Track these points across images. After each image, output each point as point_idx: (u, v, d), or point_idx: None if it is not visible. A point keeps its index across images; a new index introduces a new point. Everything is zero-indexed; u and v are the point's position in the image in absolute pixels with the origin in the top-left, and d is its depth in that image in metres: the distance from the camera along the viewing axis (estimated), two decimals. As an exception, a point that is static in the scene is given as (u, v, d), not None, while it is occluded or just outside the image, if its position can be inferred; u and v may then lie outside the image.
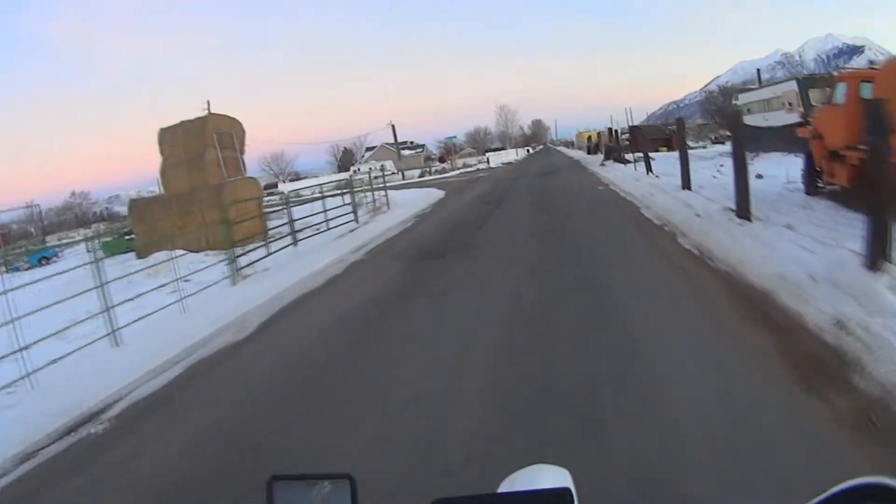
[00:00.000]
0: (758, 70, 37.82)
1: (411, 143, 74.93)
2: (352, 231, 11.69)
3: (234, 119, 18.12)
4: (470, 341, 3.99)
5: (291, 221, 11.04)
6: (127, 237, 17.95)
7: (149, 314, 6.09)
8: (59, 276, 6.50)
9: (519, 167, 33.99)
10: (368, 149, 72.98)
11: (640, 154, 17.29)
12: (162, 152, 17.79)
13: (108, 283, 5.87)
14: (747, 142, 17.70)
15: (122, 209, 45.99)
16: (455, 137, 60.69)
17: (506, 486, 0.93)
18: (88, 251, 6.25)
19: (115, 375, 4.52)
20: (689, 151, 24.42)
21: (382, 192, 15.68)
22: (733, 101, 21.52)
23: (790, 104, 16.91)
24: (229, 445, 3.00)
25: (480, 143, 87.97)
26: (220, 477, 2.67)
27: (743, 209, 6.90)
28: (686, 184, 9.67)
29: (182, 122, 17.56)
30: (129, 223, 19.19)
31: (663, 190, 10.02)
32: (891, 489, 0.56)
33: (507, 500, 0.79)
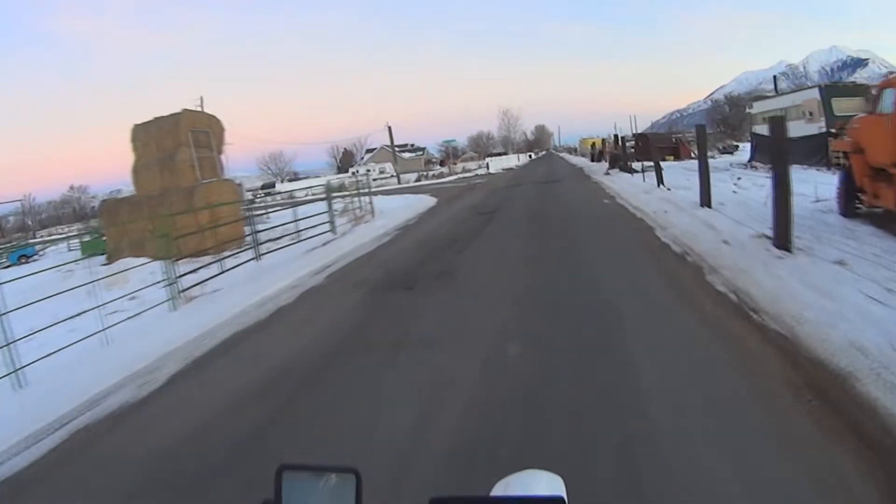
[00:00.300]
0: (774, 77, 36.49)
1: (412, 145, 73.85)
2: (325, 244, 10.42)
3: (211, 116, 16.85)
4: (414, 445, 2.71)
5: (254, 233, 9.77)
6: (105, 238, 16.85)
7: (70, 344, 5.13)
8: (25, 279, 5.49)
9: (519, 174, 32.53)
10: (368, 150, 71.97)
11: (647, 163, 16.05)
12: (134, 150, 16.60)
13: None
14: (765, 153, 16.48)
15: (120, 205, 44.78)
16: (454, 141, 59.46)
17: (499, 490, 0.92)
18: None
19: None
20: (697, 161, 23.20)
21: (369, 199, 14.44)
22: (747, 110, 20.20)
23: (811, 113, 15.57)
24: None
25: (483, 147, 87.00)
26: None
27: (783, 237, 5.63)
28: (706, 200, 8.40)
29: (156, 119, 16.33)
30: (100, 224, 18.12)
31: (679, 207, 8.74)
32: None
33: None
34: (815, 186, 9.91)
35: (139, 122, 16.49)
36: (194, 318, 6.29)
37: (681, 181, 12.57)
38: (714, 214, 7.71)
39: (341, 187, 26.54)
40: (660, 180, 11.60)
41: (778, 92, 22.44)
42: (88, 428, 3.68)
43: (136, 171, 16.36)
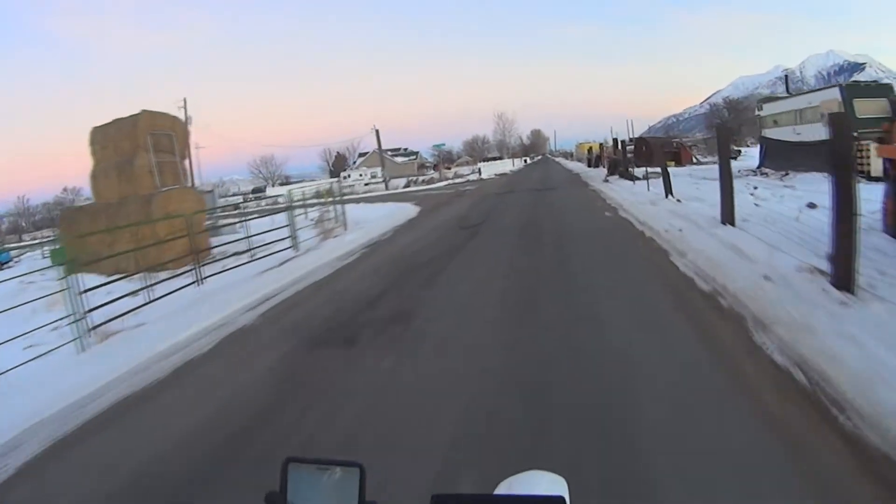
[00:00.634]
0: (785, 76, 35.15)
1: (405, 149, 72.60)
2: (283, 263, 8.97)
3: (174, 118, 15.40)
4: None
5: (196, 252, 8.33)
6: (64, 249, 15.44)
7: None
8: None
9: (512, 180, 30.87)
10: (361, 154, 70.69)
11: (649, 169, 14.67)
12: (93, 154, 15.19)
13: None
14: (777, 159, 15.13)
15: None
16: (443, 145, 57.93)
17: (502, 490, 0.92)
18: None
19: None
20: (701, 168, 21.86)
21: (351, 207, 13.02)
22: (756, 112, 18.80)
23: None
24: None
25: (478, 151, 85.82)
26: None
27: (844, 275, 4.24)
28: (728, 216, 6.98)
29: (115, 121, 14.94)
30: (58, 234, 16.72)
31: (695, 223, 7.32)
32: None
33: (503, 502, 0.81)
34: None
35: (98, 124, 15.19)
36: (96, 366, 5.00)
37: (690, 191, 11.17)
38: (740, 235, 6.30)
39: (328, 192, 25.17)
40: (668, 190, 10.18)
41: (790, 92, 21.03)
42: None
43: (95, 177, 14.93)
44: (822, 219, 7.53)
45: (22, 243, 36.00)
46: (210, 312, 6.28)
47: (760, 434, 2.44)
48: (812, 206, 9.07)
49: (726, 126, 8.29)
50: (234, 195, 49.94)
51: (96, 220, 13.75)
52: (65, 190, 73.46)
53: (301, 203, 12.22)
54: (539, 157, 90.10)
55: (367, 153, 67.32)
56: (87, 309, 6.03)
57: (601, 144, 35.13)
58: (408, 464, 2.49)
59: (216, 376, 4.22)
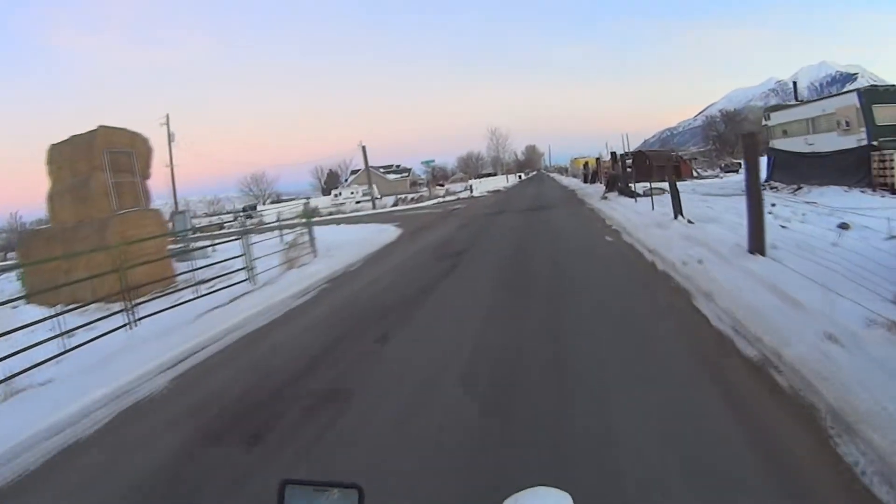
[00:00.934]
0: (794, 83, 34.10)
1: (397, 166, 71.65)
2: (233, 300, 7.70)
3: (134, 134, 14.07)
4: None
5: (125, 290, 7.04)
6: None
7: None
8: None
9: (504, 198, 29.24)
10: (353, 171, 69.75)
11: (648, 185, 13.53)
12: (50, 174, 13.95)
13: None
14: (788, 172, 14.02)
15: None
16: (433, 161, 56.74)
17: None
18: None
19: None
20: (703, 182, 20.75)
21: (329, 229, 11.78)
22: (764, 122, 17.69)
23: (847, 123, 13.04)
24: None
25: (472, 168, 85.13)
26: None
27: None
28: (757, 244, 5.73)
29: (71, 138, 13.73)
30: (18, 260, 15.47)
31: (716, 252, 6.06)
32: None
33: None
34: (886, 219, 7.37)
35: (56, 141, 14.01)
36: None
37: (701, 209, 9.99)
38: (775, 268, 5.07)
39: (314, 212, 23.92)
40: (677, 209, 8.96)
41: (799, 100, 19.97)
42: None
43: (51, 198, 13.67)
44: (862, 243, 6.38)
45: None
46: (119, 372, 5.01)
47: None
48: (844, 226, 7.90)
49: (753, 133, 7.11)
50: (228, 213, 48.74)
51: (52, 244, 12.55)
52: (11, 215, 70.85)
53: (270, 227, 10.95)
54: (534, 173, 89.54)
55: (358, 170, 66.40)
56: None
57: (597, 159, 34.05)
58: None
59: (79, 483, 2.94)
